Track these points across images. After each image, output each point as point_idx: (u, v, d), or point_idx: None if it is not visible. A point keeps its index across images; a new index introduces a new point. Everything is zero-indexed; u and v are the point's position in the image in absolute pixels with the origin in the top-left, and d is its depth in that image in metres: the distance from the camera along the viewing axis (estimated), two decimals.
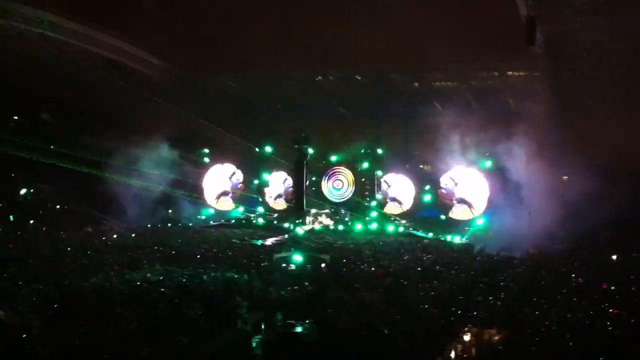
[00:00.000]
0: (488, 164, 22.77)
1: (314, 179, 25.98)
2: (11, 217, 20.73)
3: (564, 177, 21.37)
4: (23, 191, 21.76)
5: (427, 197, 24.06)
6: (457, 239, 21.62)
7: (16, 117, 21.76)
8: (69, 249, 17.15)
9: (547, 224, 18.34)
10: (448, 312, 10.38)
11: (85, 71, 20.42)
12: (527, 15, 16.59)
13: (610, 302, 10.65)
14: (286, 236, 22.28)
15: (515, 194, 20.59)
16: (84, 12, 18.90)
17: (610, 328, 9.15)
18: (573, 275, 13.32)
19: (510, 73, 22.43)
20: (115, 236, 20.20)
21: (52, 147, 20.75)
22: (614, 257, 15.71)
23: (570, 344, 8.61)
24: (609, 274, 13.53)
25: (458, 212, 23.21)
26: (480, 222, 22.59)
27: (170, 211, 25.43)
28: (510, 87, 23.03)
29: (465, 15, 18.01)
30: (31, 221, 21.03)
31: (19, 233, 19.79)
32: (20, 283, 11.76)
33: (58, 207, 21.90)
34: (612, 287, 11.83)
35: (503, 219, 20.86)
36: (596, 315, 9.79)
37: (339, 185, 25.67)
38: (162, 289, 11.96)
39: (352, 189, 25.41)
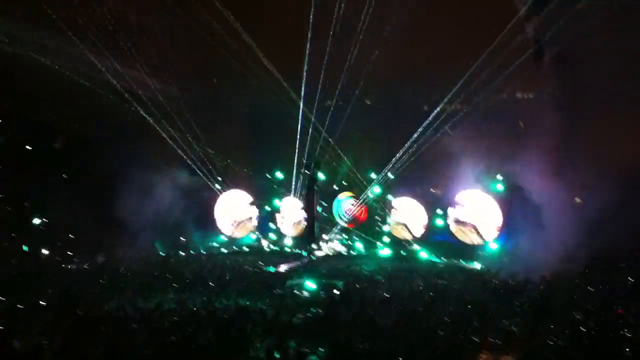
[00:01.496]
0: (500, 186, 22.64)
1: (325, 204, 26.01)
2: (25, 247, 20.87)
3: (577, 200, 21.11)
4: (36, 221, 21.95)
5: (439, 222, 23.94)
6: (470, 264, 21.47)
7: (26, 146, 22.05)
8: (81, 277, 17.26)
9: (562, 245, 18.12)
10: (462, 337, 10.32)
11: (95, 97, 20.66)
12: (534, 35, 16.68)
13: (626, 324, 10.51)
14: (298, 262, 22.25)
15: (528, 216, 20.39)
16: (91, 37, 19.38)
17: (627, 351, 9.05)
18: (587, 298, 13.18)
19: (519, 94, 22.39)
20: (127, 264, 20.24)
21: (63, 175, 20.99)
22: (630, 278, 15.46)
23: None
24: (625, 295, 13.37)
25: (470, 236, 23.01)
26: (493, 246, 22.38)
27: (182, 239, 25.48)
28: (520, 108, 22.92)
29: (472, 37, 18.20)
30: (44, 250, 21.19)
31: (32, 262, 19.93)
32: (33, 311, 11.86)
33: (70, 235, 22.00)
34: (628, 309, 11.69)
35: (517, 242, 20.65)
36: (612, 337, 9.67)
37: (350, 211, 25.65)
38: (175, 317, 12.00)
39: (363, 214, 25.39)
